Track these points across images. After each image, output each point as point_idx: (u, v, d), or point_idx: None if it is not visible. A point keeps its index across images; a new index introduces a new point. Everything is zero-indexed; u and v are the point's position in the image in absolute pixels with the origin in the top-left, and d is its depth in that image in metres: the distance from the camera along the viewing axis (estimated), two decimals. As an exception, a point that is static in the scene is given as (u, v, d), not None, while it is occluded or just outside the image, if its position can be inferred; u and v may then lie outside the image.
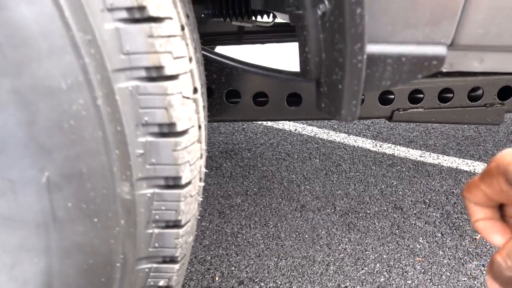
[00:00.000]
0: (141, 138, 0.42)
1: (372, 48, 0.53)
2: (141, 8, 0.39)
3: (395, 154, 2.12)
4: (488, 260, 1.29)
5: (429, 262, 1.32)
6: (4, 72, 0.35)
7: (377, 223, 1.52)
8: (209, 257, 1.33)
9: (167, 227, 0.48)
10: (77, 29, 0.37)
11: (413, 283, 1.23)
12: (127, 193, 0.43)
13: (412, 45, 0.54)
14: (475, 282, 1.24)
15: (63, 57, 0.36)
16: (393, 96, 1.21)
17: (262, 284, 1.23)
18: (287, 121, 2.62)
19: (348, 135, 2.37)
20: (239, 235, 1.46)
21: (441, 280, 1.24)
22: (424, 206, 1.62)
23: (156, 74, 0.41)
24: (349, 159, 2.06)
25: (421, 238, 1.43)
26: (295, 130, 2.45)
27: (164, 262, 0.50)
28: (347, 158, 2.07)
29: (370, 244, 1.40)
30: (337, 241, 1.42)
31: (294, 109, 1.21)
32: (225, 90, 1.16)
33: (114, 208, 0.43)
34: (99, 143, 0.40)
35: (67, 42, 0.36)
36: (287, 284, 1.23)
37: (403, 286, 1.22)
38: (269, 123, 2.59)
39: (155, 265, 0.49)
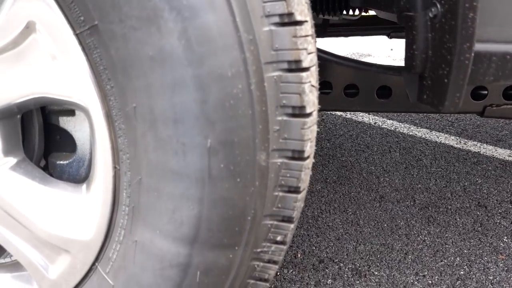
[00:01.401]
0: (278, 117, 0.53)
1: (479, 47, 0.59)
2: (290, 14, 0.49)
3: (481, 152, 2.06)
4: None
5: (513, 261, 1.30)
6: (190, 63, 0.47)
7: (458, 219, 1.52)
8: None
9: (289, 191, 0.58)
10: (243, 30, 0.47)
11: (495, 279, 1.23)
12: (264, 161, 0.54)
13: (518, 45, 0.59)
14: None
15: (232, 52, 0.48)
16: (486, 92, 1.20)
17: (342, 264, 1.31)
18: (366, 114, 2.63)
19: (430, 131, 2.34)
20: (319, 219, 1.54)
21: (525, 280, 1.23)
22: (510, 206, 1.59)
23: (295, 67, 0.51)
24: (431, 154, 2.05)
25: (505, 237, 1.41)
26: (375, 123, 2.47)
27: (283, 221, 0.60)
28: (428, 154, 2.06)
29: (450, 238, 1.42)
30: (416, 232, 1.45)
31: (383, 101, 1.26)
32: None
33: (253, 172, 0.54)
34: (248, 119, 0.51)
35: (236, 41, 0.47)
36: (366, 267, 1.29)
37: (484, 281, 1.23)
38: (348, 115, 2.62)
39: (275, 223, 0.60)
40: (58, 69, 0.55)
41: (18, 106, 0.62)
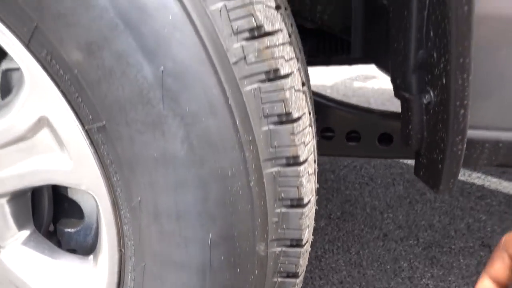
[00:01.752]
0: (277, 209, 0.55)
1: (472, 134, 0.61)
2: (288, 114, 0.51)
3: (485, 186, 2.06)
4: None
5: (517, 307, 1.30)
6: (192, 164, 0.50)
7: (462, 260, 1.52)
8: (295, 278, 1.45)
9: (288, 277, 0.60)
10: (243, 132, 0.50)
11: (499, 328, 1.23)
12: (263, 251, 0.56)
13: (509, 132, 0.61)
14: None
15: (232, 153, 0.50)
16: (486, 140, 1.22)
17: (345, 309, 1.31)
18: (370, 143, 2.64)
19: (434, 162, 2.34)
20: (322, 259, 1.55)
21: (530, 328, 1.22)
22: (515, 247, 1.58)
23: (293, 161, 0.54)
24: (435, 188, 2.05)
25: (510, 281, 1.41)
26: (379, 153, 2.48)
27: (282, 303, 0.62)
28: (432, 187, 2.06)
29: (454, 282, 1.42)
30: (419, 275, 1.45)
31: (386, 148, 1.27)
32: (320, 127, 1.26)
33: (252, 262, 0.56)
34: (248, 214, 0.53)
35: (236, 142, 0.50)
36: (369, 313, 1.30)
37: (488, 330, 1.22)
38: (352, 144, 2.64)
39: (275, 305, 0.62)
40: (67, 159, 0.58)
41: (31, 188, 0.64)
